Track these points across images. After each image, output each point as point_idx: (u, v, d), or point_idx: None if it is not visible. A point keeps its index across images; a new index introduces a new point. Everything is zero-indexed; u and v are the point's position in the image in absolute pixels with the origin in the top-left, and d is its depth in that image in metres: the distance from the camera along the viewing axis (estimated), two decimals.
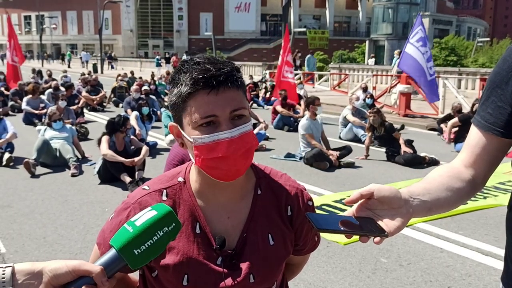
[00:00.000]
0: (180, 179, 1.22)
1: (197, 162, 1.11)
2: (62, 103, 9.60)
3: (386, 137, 7.78)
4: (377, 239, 0.96)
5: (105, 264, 0.87)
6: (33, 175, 6.62)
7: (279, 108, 11.34)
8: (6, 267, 0.84)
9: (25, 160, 6.71)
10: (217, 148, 1.06)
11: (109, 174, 6.22)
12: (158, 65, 35.43)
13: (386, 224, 0.98)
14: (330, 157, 7.20)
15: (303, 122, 7.50)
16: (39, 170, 6.89)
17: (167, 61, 38.83)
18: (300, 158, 7.68)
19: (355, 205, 1.02)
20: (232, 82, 1.07)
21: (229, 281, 1.15)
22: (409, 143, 7.70)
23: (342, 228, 0.96)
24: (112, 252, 0.88)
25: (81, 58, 46.27)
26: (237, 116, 1.08)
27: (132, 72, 21.48)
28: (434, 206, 1.08)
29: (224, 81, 1.06)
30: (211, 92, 1.05)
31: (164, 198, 1.18)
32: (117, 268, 0.89)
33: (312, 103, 7.52)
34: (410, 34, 11.30)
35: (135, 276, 1.32)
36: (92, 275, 0.85)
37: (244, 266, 1.17)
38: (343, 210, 5.12)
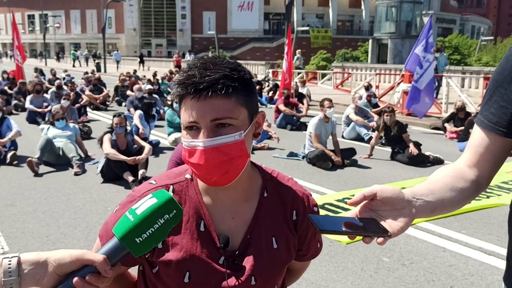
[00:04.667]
0: (188, 176, 1.22)
1: (186, 162, 1.12)
2: (65, 103, 9.61)
3: (396, 136, 7.75)
4: (380, 239, 0.96)
5: (108, 252, 0.89)
6: (36, 174, 6.64)
7: (282, 107, 11.32)
8: (12, 257, 0.86)
9: (28, 159, 6.73)
10: (193, 154, 1.08)
11: (112, 172, 6.24)
12: None
13: (389, 224, 0.98)
14: (333, 157, 7.17)
15: (314, 121, 7.39)
16: (42, 168, 6.91)
17: (141, 60, 38.48)
18: (303, 157, 7.67)
19: (358, 206, 1.02)
20: (216, 90, 1.04)
21: (231, 281, 1.15)
22: (417, 145, 7.66)
23: (344, 229, 0.96)
24: (114, 241, 0.90)
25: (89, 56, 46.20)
26: (221, 125, 1.06)
27: (134, 71, 21.53)
28: (438, 206, 1.07)
29: (205, 89, 1.04)
30: (193, 98, 1.05)
31: (171, 194, 1.18)
32: (120, 256, 0.90)
33: (321, 105, 7.39)
34: (420, 36, 11.18)
35: (134, 272, 1.32)
36: (96, 264, 0.86)
37: (246, 267, 1.17)
38: (346, 210, 5.11)
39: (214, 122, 1.06)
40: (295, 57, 22.92)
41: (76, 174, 6.67)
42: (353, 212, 1.02)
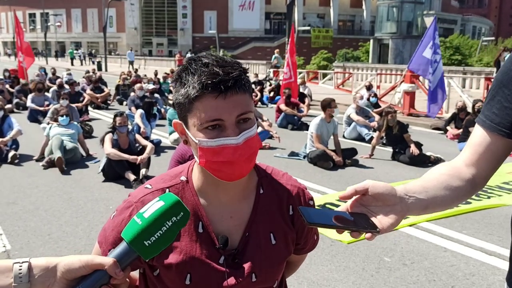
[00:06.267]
0: (183, 178, 1.21)
1: (201, 163, 1.10)
2: (64, 102, 9.55)
3: (397, 136, 7.75)
4: (368, 235, 0.96)
5: (118, 256, 0.89)
6: (63, 171, 6.63)
7: (283, 106, 11.33)
8: (23, 262, 0.86)
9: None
10: (222, 153, 1.06)
11: (114, 171, 6.24)
12: None
13: (379, 220, 0.99)
14: (334, 157, 7.17)
15: (315, 122, 7.34)
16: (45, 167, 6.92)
17: (131, 62, 35.94)
18: (304, 157, 7.67)
19: (350, 201, 1.02)
20: (240, 86, 1.06)
21: (231, 280, 1.16)
22: (418, 145, 7.65)
23: (333, 223, 0.96)
24: (123, 245, 0.90)
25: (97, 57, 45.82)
26: (243, 120, 1.07)
27: (136, 70, 21.55)
28: (430, 204, 1.07)
29: (232, 86, 1.04)
30: (219, 96, 1.04)
31: None
32: (130, 260, 0.90)
33: (328, 106, 7.31)
34: (424, 37, 11.21)
35: (135, 273, 1.32)
36: (105, 267, 0.87)
37: (246, 265, 1.17)
38: None
39: (239, 117, 1.06)
40: (273, 57, 23.39)
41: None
42: (344, 206, 1.02)
